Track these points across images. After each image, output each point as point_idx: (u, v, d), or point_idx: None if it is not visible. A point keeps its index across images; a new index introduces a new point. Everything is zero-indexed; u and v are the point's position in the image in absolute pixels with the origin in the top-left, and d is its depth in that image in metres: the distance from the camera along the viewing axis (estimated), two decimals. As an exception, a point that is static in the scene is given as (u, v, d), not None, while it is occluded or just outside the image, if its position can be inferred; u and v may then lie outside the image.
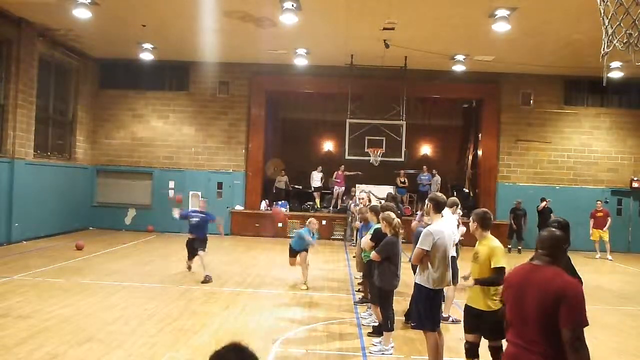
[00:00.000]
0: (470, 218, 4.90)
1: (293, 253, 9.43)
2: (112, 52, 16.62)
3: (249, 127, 17.69)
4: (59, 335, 6.09)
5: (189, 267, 10.33)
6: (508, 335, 3.07)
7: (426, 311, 5.08)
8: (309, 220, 9.65)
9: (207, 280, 9.42)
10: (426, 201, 5.93)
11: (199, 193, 17.56)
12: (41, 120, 14.98)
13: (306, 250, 9.38)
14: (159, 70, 17.54)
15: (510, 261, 4.76)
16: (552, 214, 14.34)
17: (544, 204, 15.61)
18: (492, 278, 4.57)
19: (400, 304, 8.00)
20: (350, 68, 15.84)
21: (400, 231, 6.10)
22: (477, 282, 4.65)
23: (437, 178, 18.36)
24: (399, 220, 6.20)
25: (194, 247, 9.91)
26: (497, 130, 17.42)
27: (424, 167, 19.00)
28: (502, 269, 4.51)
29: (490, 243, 4.71)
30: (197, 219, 9.99)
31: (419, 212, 13.98)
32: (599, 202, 15.66)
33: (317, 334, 6.64)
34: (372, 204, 8.33)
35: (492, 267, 4.61)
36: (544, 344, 2.80)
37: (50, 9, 12.49)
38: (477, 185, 18.29)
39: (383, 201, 12.33)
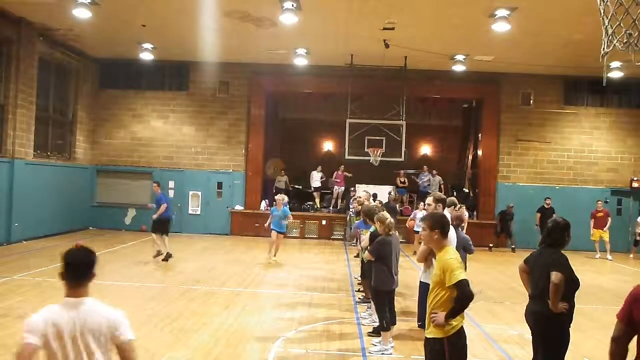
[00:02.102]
0: (424, 223, 3.98)
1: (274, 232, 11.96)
2: (112, 52, 16.62)
3: (249, 127, 17.68)
4: (58, 335, 6.08)
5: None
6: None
7: None
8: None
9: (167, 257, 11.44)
10: (431, 202, 5.92)
11: (199, 193, 17.58)
12: (41, 120, 14.98)
13: (282, 233, 12.28)
14: (158, 70, 17.54)
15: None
16: (554, 214, 14.37)
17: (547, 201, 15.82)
18: (459, 300, 3.51)
19: (400, 303, 7.99)
20: (350, 68, 15.83)
21: (391, 231, 6.14)
22: (449, 316, 3.54)
23: (438, 178, 18.33)
24: (391, 220, 6.25)
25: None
26: (497, 130, 17.42)
27: (425, 167, 19.01)
28: (463, 282, 3.49)
29: (444, 256, 3.69)
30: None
31: (415, 211, 14.04)
32: (599, 202, 15.66)
33: (317, 334, 6.64)
34: (365, 206, 8.30)
35: (448, 285, 3.54)
36: None
37: (50, 9, 12.49)
38: (477, 185, 18.29)
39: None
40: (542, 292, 4.19)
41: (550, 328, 4.18)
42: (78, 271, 2.75)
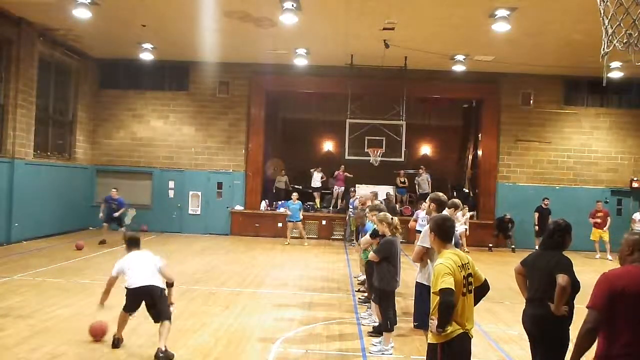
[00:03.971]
0: (429, 226, 3.99)
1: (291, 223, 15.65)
2: (112, 52, 16.61)
3: (249, 127, 17.68)
4: (59, 335, 6.09)
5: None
6: (617, 349, 2.92)
7: (428, 310, 5.06)
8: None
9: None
10: (427, 200, 5.92)
11: (199, 193, 17.58)
12: (41, 120, 14.97)
13: (300, 221, 15.70)
14: (158, 70, 17.54)
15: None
16: (550, 215, 14.40)
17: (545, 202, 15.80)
18: (439, 309, 3.40)
19: (400, 303, 7.99)
20: (350, 68, 15.82)
21: (400, 230, 6.13)
22: (440, 324, 3.41)
23: (425, 176, 18.24)
24: (397, 219, 6.23)
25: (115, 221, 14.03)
26: (497, 130, 17.42)
27: (422, 167, 18.98)
28: (443, 290, 3.36)
29: (437, 261, 3.59)
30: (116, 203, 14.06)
31: (417, 211, 14.02)
32: (599, 203, 15.67)
33: (317, 334, 6.64)
34: (371, 204, 8.32)
35: (432, 291, 3.48)
36: None
37: (50, 9, 12.49)
38: (477, 185, 18.29)
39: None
40: (544, 295, 4.12)
41: (551, 331, 4.12)
42: (137, 241, 6.24)
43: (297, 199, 15.68)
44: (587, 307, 3.07)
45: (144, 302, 5.81)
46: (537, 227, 15.50)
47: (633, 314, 2.91)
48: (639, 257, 3.10)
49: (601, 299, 2.99)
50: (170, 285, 5.93)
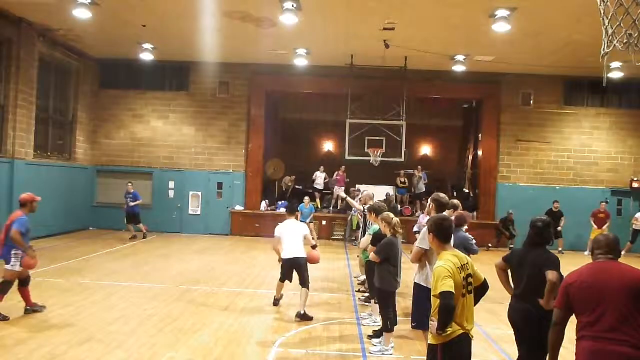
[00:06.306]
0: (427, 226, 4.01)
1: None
2: (112, 52, 16.61)
3: (248, 127, 17.67)
4: (59, 335, 6.09)
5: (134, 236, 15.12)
6: (580, 332, 3.33)
7: (426, 311, 5.06)
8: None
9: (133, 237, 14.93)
10: (428, 201, 5.92)
11: (199, 193, 17.58)
12: (41, 120, 14.96)
13: (312, 222, 15.20)
14: (159, 70, 17.53)
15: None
16: (562, 218, 14.75)
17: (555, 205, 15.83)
18: (439, 312, 3.40)
19: (400, 303, 7.99)
20: (350, 68, 15.82)
21: (399, 231, 6.09)
22: (440, 327, 3.42)
23: (416, 177, 18.22)
24: (397, 219, 6.20)
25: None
26: (497, 130, 17.41)
27: (419, 167, 18.97)
28: (442, 294, 3.36)
29: (437, 263, 3.59)
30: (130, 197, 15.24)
31: (419, 212, 14.04)
32: (602, 204, 15.77)
33: (317, 334, 6.64)
34: (370, 205, 8.30)
35: (432, 294, 3.47)
36: (629, 330, 3.11)
37: (50, 9, 12.49)
38: (477, 185, 18.28)
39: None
40: (533, 290, 4.28)
41: (541, 325, 4.24)
42: (293, 210, 7.94)
43: (310, 202, 15.52)
44: (553, 306, 3.57)
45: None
46: None
47: (580, 303, 3.35)
48: (596, 256, 3.50)
49: (560, 296, 3.47)
50: (314, 247, 7.71)
